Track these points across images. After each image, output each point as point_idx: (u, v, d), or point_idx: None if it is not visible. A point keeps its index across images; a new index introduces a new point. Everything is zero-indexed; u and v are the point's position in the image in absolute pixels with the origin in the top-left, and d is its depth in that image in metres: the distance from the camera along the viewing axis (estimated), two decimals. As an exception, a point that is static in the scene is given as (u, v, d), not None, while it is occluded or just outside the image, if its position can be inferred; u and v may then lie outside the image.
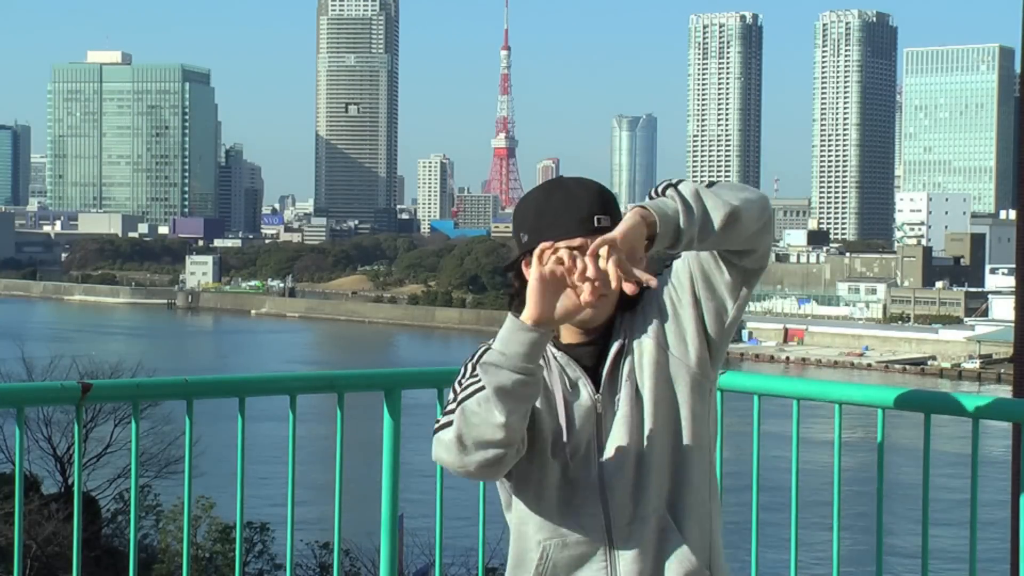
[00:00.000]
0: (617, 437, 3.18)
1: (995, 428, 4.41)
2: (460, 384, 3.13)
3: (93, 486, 31.97)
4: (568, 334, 3.26)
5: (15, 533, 4.02)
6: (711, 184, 3.12)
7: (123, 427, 30.95)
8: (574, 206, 3.14)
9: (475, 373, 3.07)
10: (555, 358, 3.23)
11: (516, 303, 3.20)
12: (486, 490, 4.67)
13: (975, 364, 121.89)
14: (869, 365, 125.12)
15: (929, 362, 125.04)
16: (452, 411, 3.07)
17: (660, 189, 3.10)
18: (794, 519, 4.58)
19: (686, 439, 3.21)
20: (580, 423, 3.20)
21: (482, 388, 3.02)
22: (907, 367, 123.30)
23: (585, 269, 2.97)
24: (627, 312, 3.23)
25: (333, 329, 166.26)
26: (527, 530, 3.26)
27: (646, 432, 3.18)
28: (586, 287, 2.99)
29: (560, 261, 3.00)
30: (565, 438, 3.18)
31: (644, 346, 3.21)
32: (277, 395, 4.47)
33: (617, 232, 2.95)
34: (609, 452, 3.19)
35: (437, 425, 3.11)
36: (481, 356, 3.12)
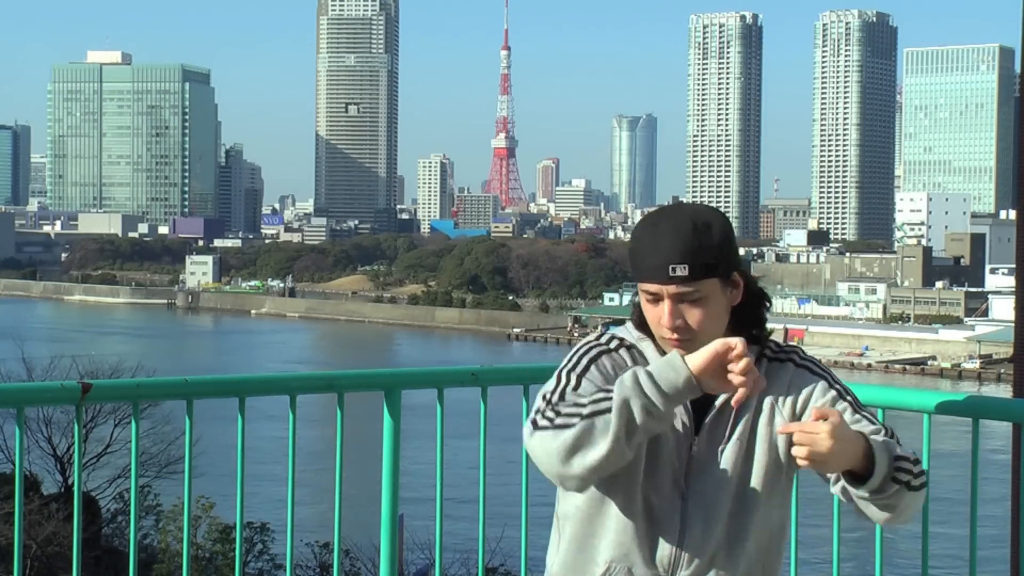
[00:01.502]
0: (712, 484, 3.19)
1: (995, 428, 4.40)
2: (571, 376, 3.17)
3: (93, 486, 31.98)
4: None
5: (15, 533, 4.02)
6: (916, 484, 3.08)
7: (123, 427, 30.96)
8: (654, 252, 3.13)
9: (607, 388, 3.07)
10: None
11: (638, 319, 3.26)
12: (487, 490, 4.68)
13: (975, 364, 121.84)
14: (869, 365, 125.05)
15: (929, 362, 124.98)
16: (571, 415, 3.05)
17: (908, 458, 3.07)
18: (794, 519, 4.57)
19: (774, 516, 3.26)
20: (671, 456, 3.21)
21: (604, 409, 3.03)
22: (907, 367, 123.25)
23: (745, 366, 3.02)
24: (756, 360, 3.23)
25: (333, 329, 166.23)
26: (597, 544, 3.26)
27: (745, 492, 3.20)
28: (739, 382, 3.03)
29: (740, 355, 3.02)
30: (654, 467, 3.20)
31: (764, 411, 3.22)
32: (277, 395, 4.46)
33: (734, 341, 3.02)
34: (699, 494, 3.20)
35: (544, 421, 3.08)
36: (596, 356, 3.20)
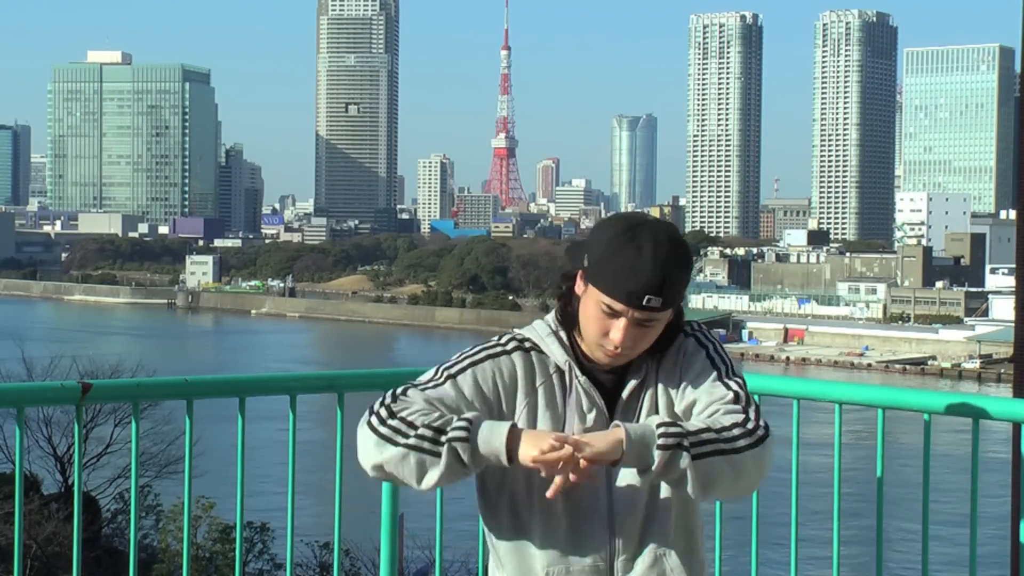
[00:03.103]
0: (631, 472, 3.18)
1: (995, 428, 4.40)
2: (442, 373, 3.21)
3: (93, 486, 31.96)
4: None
5: (15, 533, 4.02)
6: (728, 449, 3.06)
7: (123, 427, 30.94)
8: (633, 276, 3.09)
9: (441, 425, 3.07)
10: (577, 380, 3.24)
11: (563, 311, 3.27)
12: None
13: (975, 364, 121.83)
14: (869, 365, 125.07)
15: (929, 362, 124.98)
16: (396, 432, 3.07)
17: (668, 432, 3.05)
18: (794, 519, 4.58)
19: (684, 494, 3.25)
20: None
21: (435, 431, 3.05)
22: (907, 367, 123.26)
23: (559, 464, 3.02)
24: (656, 352, 3.25)
25: (333, 329, 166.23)
26: (531, 553, 3.26)
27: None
28: (556, 481, 3.03)
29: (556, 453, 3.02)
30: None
31: (663, 390, 3.24)
32: (277, 395, 4.47)
33: (592, 451, 3.00)
34: (621, 484, 3.22)
35: (374, 419, 3.11)
36: (480, 360, 3.23)
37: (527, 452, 3.02)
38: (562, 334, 3.26)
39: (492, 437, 3.04)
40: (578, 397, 3.23)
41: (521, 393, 3.23)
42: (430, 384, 3.19)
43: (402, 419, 3.08)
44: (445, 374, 3.21)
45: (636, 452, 3.01)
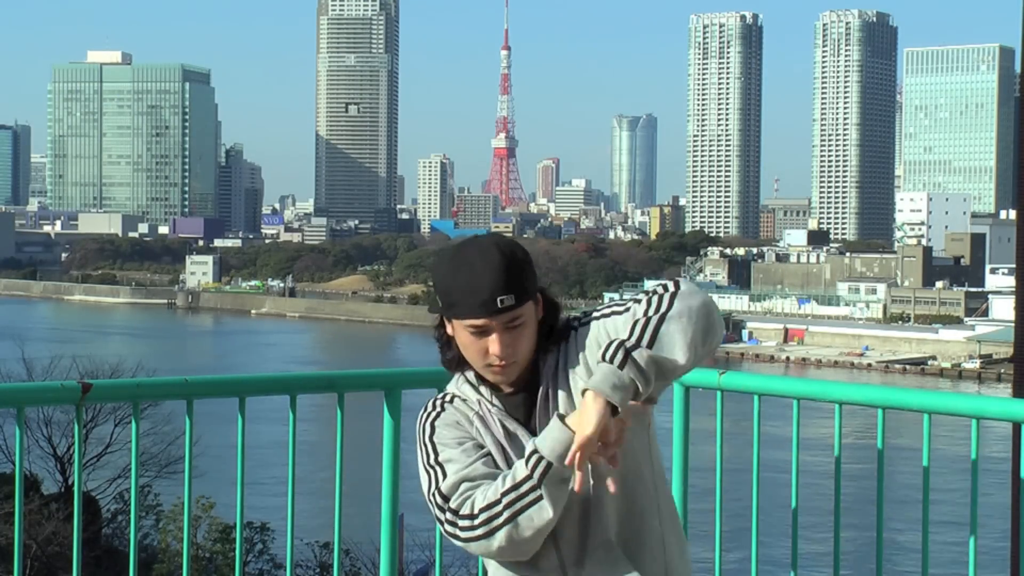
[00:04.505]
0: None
1: (995, 428, 4.40)
2: (435, 467, 3.24)
3: (93, 486, 31.93)
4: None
5: (15, 533, 4.02)
6: (660, 317, 3.12)
7: (123, 427, 30.92)
8: (477, 288, 3.16)
9: (520, 485, 3.13)
10: (491, 411, 3.30)
11: (448, 356, 3.33)
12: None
13: (975, 364, 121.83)
14: (869, 365, 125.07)
15: (929, 362, 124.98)
16: (490, 519, 3.14)
17: (611, 354, 3.10)
18: (794, 519, 4.58)
19: (626, 473, 3.24)
20: None
21: (532, 502, 3.12)
22: (907, 367, 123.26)
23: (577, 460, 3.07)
24: (548, 355, 3.28)
25: (333, 329, 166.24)
26: (491, 572, 3.35)
27: (591, 481, 3.21)
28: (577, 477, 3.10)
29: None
30: None
31: (570, 390, 3.25)
32: (277, 395, 4.47)
33: (589, 430, 3.03)
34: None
35: (465, 532, 3.17)
36: (432, 427, 3.29)
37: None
38: (468, 375, 3.32)
39: (548, 442, 3.12)
40: (497, 422, 3.28)
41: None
42: (441, 480, 3.23)
43: (482, 508, 3.16)
44: (435, 463, 3.26)
45: (615, 392, 3.05)
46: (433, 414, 3.33)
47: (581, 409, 3.08)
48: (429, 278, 3.66)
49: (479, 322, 3.17)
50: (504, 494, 3.13)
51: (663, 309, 3.14)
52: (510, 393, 3.31)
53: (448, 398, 3.37)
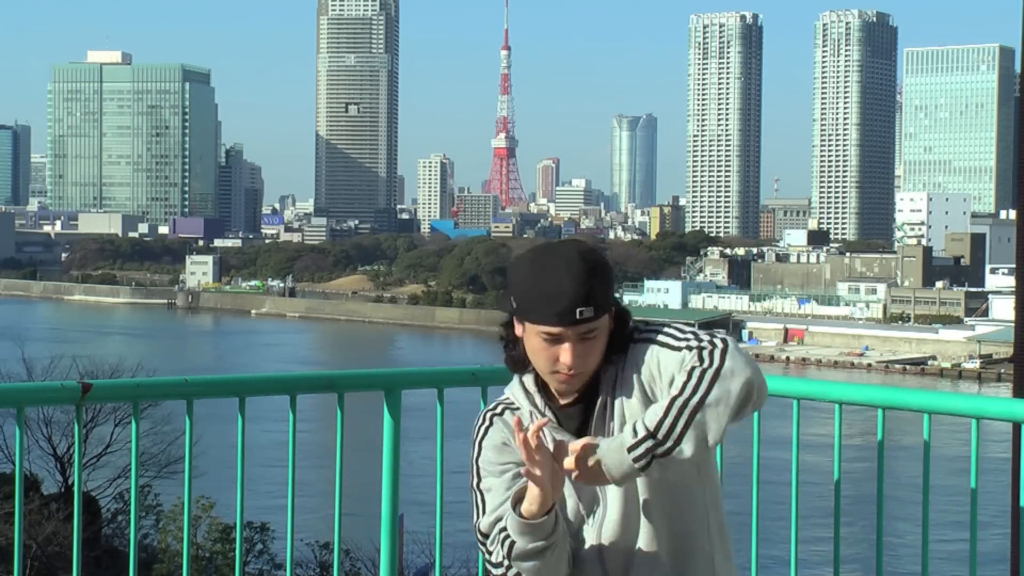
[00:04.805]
0: (613, 507, 3.25)
1: (995, 428, 4.40)
2: (479, 491, 3.31)
3: (93, 486, 31.94)
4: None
5: (15, 533, 4.02)
6: (699, 401, 3.09)
7: (123, 427, 30.91)
8: (557, 296, 3.15)
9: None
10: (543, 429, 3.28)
11: (511, 354, 3.33)
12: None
13: (975, 364, 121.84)
14: (869, 365, 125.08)
15: (929, 362, 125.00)
16: (503, 572, 3.24)
17: (634, 444, 3.09)
18: (794, 519, 4.58)
19: (673, 490, 3.25)
20: (570, 494, 3.28)
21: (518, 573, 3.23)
22: (907, 367, 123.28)
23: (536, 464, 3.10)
24: (611, 366, 3.26)
25: (333, 329, 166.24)
26: None
27: (640, 498, 3.24)
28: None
29: (533, 463, 3.09)
30: (561, 501, 3.26)
31: (630, 408, 3.24)
32: (277, 395, 4.46)
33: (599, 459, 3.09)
34: (608, 522, 3.26)
35: (499, 570, 3.25)
36: (479, 448, 3.32)
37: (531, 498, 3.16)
38: (527, 381, 3.32)
39: (512, 522, 3.19)
40: (552, 438, 3.25)
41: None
42: (481, 515, 3.29)
43: (497, 563, 3.25)
44: (478, 488, 3.31)
45: (622, 479, 3.09)
46: (482, 432, 3.35)
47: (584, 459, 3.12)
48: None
49: (555, 330, 3.16)
50: (504, 558, 3.22)
51: (703, 389, 3.08)
52: (566, 404, 3.30)
53: (499, 409, 3.36)
